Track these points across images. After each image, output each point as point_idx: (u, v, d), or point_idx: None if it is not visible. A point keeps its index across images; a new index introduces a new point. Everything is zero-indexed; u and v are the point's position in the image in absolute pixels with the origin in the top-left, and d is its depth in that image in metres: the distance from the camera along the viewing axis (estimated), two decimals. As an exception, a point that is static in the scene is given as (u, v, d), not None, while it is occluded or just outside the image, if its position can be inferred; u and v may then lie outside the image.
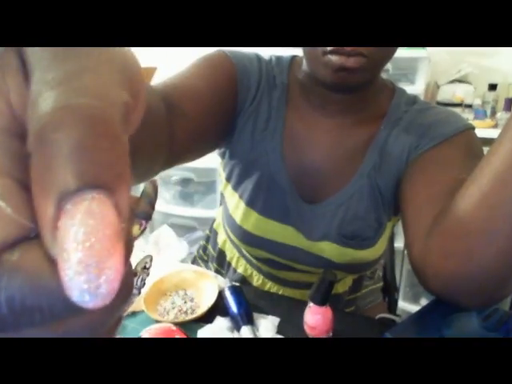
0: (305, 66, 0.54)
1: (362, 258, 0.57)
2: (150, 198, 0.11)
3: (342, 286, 0.66)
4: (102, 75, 0.10)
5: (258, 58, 0.56)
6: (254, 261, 0.64)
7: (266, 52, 0.59)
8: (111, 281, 0.09)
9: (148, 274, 0.10)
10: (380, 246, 0.57)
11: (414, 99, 0.55)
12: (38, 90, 0.09)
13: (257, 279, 0.67)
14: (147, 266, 0.10)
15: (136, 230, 0.11)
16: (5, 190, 0.09)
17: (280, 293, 0.65)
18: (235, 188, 0.59)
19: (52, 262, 0.09)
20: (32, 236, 0.09)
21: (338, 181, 0.54)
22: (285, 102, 0.55)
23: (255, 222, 0.57)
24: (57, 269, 0.09)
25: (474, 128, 0.50)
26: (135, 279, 0.10)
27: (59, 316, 0.10)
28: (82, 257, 0.08)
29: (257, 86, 0.54)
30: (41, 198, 0.09)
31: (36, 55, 0.10)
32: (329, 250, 0.56)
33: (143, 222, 0.11)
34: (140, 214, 0.11)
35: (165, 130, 0.42)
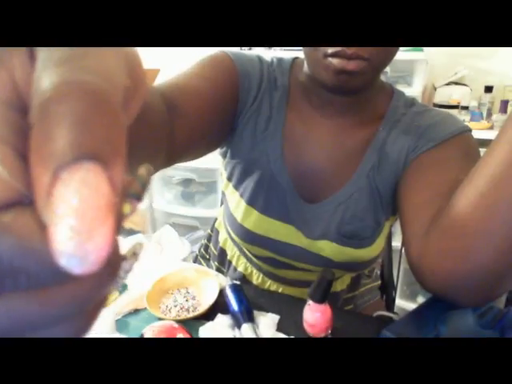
0: (306, 68, 0.55)
1: (360, 257, 0.58)
2: (143, 181, 0.11)
3: (341, 284, 0.66)
4: (106, 59, 0.10)
5: (260, 59, 0.57)
6: (254, 259, 0.65)
7: (270, 54, 0.60)
8: (100, 249, 0.09)
9: (137, 260, 0.11)
10: (378, 245, 0.58)
11: (412, 101, 0.56)
12: (44, 66, 0.10)
13: (256, 277, 0.68)
14: (137, 251, 0.11)
15: (127, 208, 0.11)
16: (3, 156, 0.09)
17: (279, 291, 0.66)
18: (236, 187, 0.60)
19: (43, 228, 0.09)
20: (25, 203, 0.10)
21: (338, 181, 0.55)
22: (285, 103, 0.56)
23: (255, 221, 0.58)
24: (47, 234, 0.09)
25: (470, 130, 0.51)
26: (124, 263, 0.10)
27: (45, 281, 0.10)
28: (73, 223, 0.09)
29: (258, 87, 0.55)
30: (38, 166, 0.09)
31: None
32: (328, 248, 0.57)
33: (134, 202, 0.11)
34: (132, 195, 0.11)
35: (165, 129, 0.42)
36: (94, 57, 0.10)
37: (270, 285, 0.67)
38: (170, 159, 0.46)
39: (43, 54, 0.10)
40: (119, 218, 0.10)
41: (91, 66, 0.10)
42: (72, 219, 0.09)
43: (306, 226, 0.57)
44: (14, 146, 0.10)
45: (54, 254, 0.09)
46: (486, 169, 0.34)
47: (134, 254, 0.13)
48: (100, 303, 0.12)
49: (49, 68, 0.10)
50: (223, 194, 0.67)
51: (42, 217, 0.09)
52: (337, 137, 0.55)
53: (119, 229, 0.10)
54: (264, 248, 0.60)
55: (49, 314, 0.10)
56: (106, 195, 0.09)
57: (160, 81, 0.48)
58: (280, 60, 0.59)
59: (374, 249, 0.58)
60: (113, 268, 0.11)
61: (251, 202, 0.58)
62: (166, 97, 0.44)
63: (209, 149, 0.55)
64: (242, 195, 0.59)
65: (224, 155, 0.62)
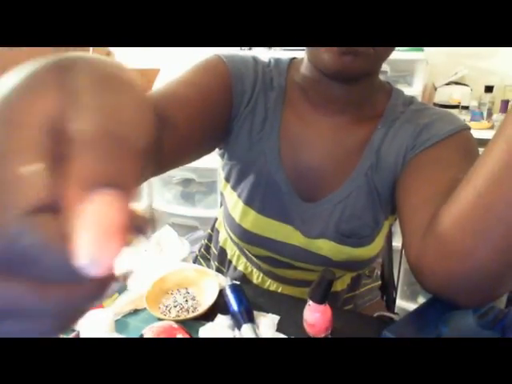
0: (304, 66, 0.55)
1: (359, 256, 0.58)
2: (147, 220, 0.14)
3: (341, 284, 0.66)
4: (134, 112, 0.13)
5: (255, 60, 0.57)
6: (254, 259, 0.65)
7: (270, 54, 0.60)
8: (108, 260, 0.12)
9: (124, 280, 0.13)
10: (377, 245, 0.58)
11: (410, 100, 0.56)
12: (84, 109, 0.12)
13: (257, 277, 0.68)
14: (127, 276, 0.13)
15: (130, 236, 0.13)
16: (41, 171, 0.12)
17: (279, 290, 0.66)
18: (234, 187, 0.60)
19: (64, 233, 0.12)
20: (53, 210, 0.12)
21: (336, 179, 0.55)
22: (282, 102, 0.56)
23: (253, 221, 0.58)
24: (67, 238, 0.12)
25: (469, 128, 0.51)
26: (114, 283, 0.12)
27: (51, 276, 0.12)
28: (91, 235, 0.11)
29: (252, 88, 0.55)
30: (72, 187, 0.12)
31: (79, 78, 0.13)
32: (326, 247, 0.57)
33: (137, 233, 0.14)
34: (136, 227, 0.14)
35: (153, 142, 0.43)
36: (125, 109, 0.13)
37: (270, 284, 0.67)
38: (160, 168, 0.47)
39: (85, 96, 0.13)
40: (125, 238, 0.12)
41: (123, 117, 0.13)
42: (91, 232, 0.11)
43: (305, 225, 0.57)
44: (47, 164, 0.12)
45: (70, 255, 0.11)
46: (484, 168, 0.34)
47: (124, 278, 0.15)
48: (80, 312, 0.14)
49: (88, 112, 0.12)
50: (222, 194, 0.67)
51: (66, 224, 0.12)
52: (335, 135, 0.55)
53: (122, 247, 0.12)
54: (262, 248, 0.60)
55: (40, 305, 0.12)
56: (120, 218, 0.12)
57: (160, 81, 0.48)
58: (277, 60, 0.59)
59: (373, 248, 0.58)
60: (104, 284, 0.13)
61: (248, 202, 0.58)
62: (156, 108, 0.44)
63: (201, 154, 0.55)
64: (239, 195, 0.59)
65: (222, 156, 0.62)
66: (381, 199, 0.55)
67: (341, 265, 0.58)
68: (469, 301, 0.39)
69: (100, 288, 0.13)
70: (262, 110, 0.55)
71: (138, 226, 0.14)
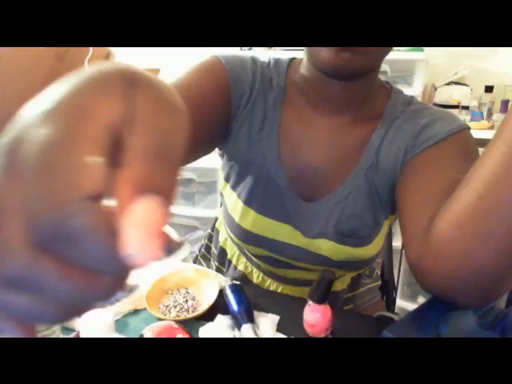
0: (303, 66, 0.55)
1: (358, 256, 0.58)
2: (178, 247, 0.16)
3: (341, 284, 0.66)
4: (181, 135, 0.16)
5: (253, 60, 0.57)
6: (254, 258, 0.65)
7: (270, 54, 0.60)
8: (148, 255, 0.14)
9: (127, 296, 0.15)
10: (376, 244, 0.58)
11: (410, 100, 0.56)
12: (141, 130, 0.15)
13: (257, 276, 0.68)
14: (133, 290, 0.15)
15: (160, 252, 0.15)
16: (102, 168, 0.14)
17: (279, 290, 0.66)
18: (234, 187, 0.60)
19: (112, 224, 0.14)
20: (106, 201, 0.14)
21: (335, 179, 0.55)
22: (281, 102, 0.55)
23: (253, 221, 0.58)
24: (114, 229, 0.13)
25: (469, 128, 0.50)
26: (122, 290, 0.15)
27: (86, 259, 0.14)
28: (141, 231, 0.13)
29: (250, 89, 0.55)
30: (126, 188, 0.14)
31: (142, 97, 0.15)
32: (326, 247, 0.57)
33: (166, 253, 0.15)
34: (168, 248, 0.15)
35: None
36: (176, 132, 0.16)
37: (270, 284, 0.67)
38: None
39: (146, 115, 0.15)
40: (162, 241, 0.14)
41: (173, 139, 0.16)
42: (139, 228, 0.13)
43: (304, 225, 0.57)
44: (106, 162, 0.14)
45: (121, 245, 0.13)
46: (483, 170, 0.34)
47: (130, 290, 0.16)
48: (86, 307, 0.16)
49: (146, 130, 0.15)
50: (221, 194, 0.67)
51: (116, 217, 0.14)
52: (334, 135, 0.55)
53: (159, 250, 0.14)
54: (262, 248, 0.60)
55: (58, 285, 0.14)
56: (162, 222, 0.14)
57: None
58: (277, 60, 0.59)
59: (373, 248, 0.58)
60: (120, 284, 0.15)
61: (248, 202, 0.58)
62: None
63: (201, 155, 0.55)
64: (239, 196, 0.59)
65: (222, 156, 0.62)
66: (380, 199, 0.55)
67: (341, 264, 0.58)
68: (469, 301, 0.39)
69: (115, 286, 0.15)
70: (260, 110, 0.55)
71: (170, 248, 0.15)
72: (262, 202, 0.57)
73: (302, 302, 0.51)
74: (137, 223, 0.13)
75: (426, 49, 1.34)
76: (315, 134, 0.55)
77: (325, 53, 0.45)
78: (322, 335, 0.49)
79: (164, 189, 0.15)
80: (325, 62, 0.46)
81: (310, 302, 0.49)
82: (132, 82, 0.15)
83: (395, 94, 0.56)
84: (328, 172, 0.55)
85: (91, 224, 0.13)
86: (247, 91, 0.55)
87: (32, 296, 0.14)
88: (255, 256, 0.64)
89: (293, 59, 0.59)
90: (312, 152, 0.55)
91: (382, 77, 0.58)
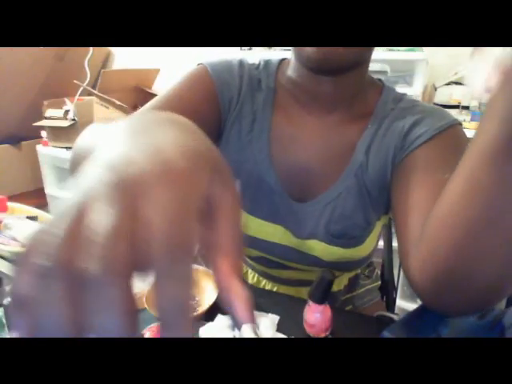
0: (291, 66, 0.54)
1: (350, 257, 0.57)
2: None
3: (337, 285, 0.66)
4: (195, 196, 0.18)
5: (241, 64, 0.57)
6: (248, 259, 0.65)
7: (270, 54, 0.60)
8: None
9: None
10: (369, 245, 0.58)
11: (400, 97, 0.55)
12: (156, 208, 0.17)
13: (252, 277, 0.68)
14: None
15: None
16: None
17: (275, 290, 0.66)
18: None
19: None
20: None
21: (326, 179, 0.55)
22: (271, 103, 0.56)
23: (244, 222, 0.58)
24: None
25: (460, 123, 0.49)
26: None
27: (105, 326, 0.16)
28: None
29: (238, 93, 0.55)
30: (230, 277, 0.20)
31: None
32: (317, 248, 0.57)
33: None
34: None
35: None
36: (192, 202, 0.17)
37: (265, 284, 0.67)
38: None
39: (228, 211, 0.20)
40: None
41: (189, 208, 0.17)
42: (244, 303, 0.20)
43: (295, 226, 0.57)
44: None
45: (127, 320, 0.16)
46: (463, 171, 0.32)
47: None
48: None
49: (160, 210, 0.16)
50: None
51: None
52: (325, 135, 0.54)
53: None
54: (254, 248, 0.60)
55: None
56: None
57: (160, 80, 0.49)
58: (267, 62, 0.59)
59: (364, 248, 0.57)
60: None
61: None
62: None
63: None
64: None
65: None
66: (371, 199, 0.54)
67: (332, 265, 0.58)
68: (462, 312, 0.38)
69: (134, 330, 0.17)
70: (249, 111, 0.55)
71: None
72: (253, 202, 0.57)
73: (301, 302, 0.51)
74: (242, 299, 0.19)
75: (426, 49, 1.34)
76: (306, 134, 0.55)
77: (308, 48, 0.45)
78: (322, 335, 0.49)
79: (240, 276, 0.20)
80: (309, 56, 0.46)
81: (310, 302, 0.49)
82: (214, 169, 0.18)
83: (386, 91, 0.55)
84: (319, 172, 0.55)
85: (112, 300, 0.15)
86: (235, 95, 0.55)
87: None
88: (248, 257, 0.64)
89: (283, 60, 0.59)
90: (303, 152, 0.55)
91: (382, 77, 0.58)
